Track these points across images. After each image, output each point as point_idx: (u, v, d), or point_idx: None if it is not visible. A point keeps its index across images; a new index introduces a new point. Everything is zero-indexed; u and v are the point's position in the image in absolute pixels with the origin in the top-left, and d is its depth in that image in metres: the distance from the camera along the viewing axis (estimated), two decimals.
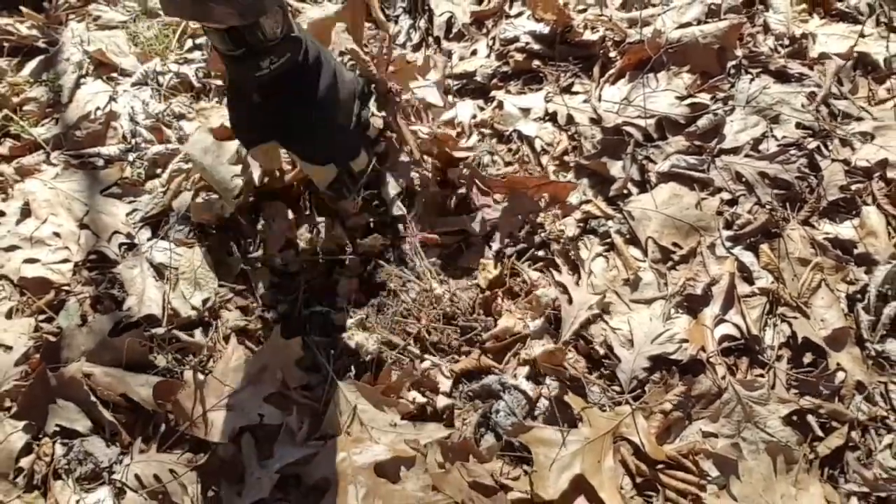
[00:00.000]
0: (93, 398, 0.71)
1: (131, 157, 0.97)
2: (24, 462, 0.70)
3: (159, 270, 0.82)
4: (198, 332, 0.78)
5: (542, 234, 0.85)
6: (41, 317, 0.80)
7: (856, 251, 0.83)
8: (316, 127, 0.72)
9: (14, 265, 0.84)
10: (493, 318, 0.79)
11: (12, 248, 0.86)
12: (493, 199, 0.86)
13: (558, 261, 0.83)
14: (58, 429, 0.71)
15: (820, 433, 0.71)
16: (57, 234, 0.86)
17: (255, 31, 0.60)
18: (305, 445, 0.68)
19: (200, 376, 0.71)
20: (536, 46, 1.03)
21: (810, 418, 0.72)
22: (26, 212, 0.89)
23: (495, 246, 0.85)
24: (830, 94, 0.95)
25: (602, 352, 0.76)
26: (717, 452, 0.70)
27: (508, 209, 0.85)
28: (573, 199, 0.88)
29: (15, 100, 1.06)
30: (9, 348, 0.76)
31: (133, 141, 0.99)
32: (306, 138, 0.73)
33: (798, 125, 0.92)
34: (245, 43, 0.61)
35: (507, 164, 0.91)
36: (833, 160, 0.90)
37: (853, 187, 0.87)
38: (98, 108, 1.03)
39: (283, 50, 0.64)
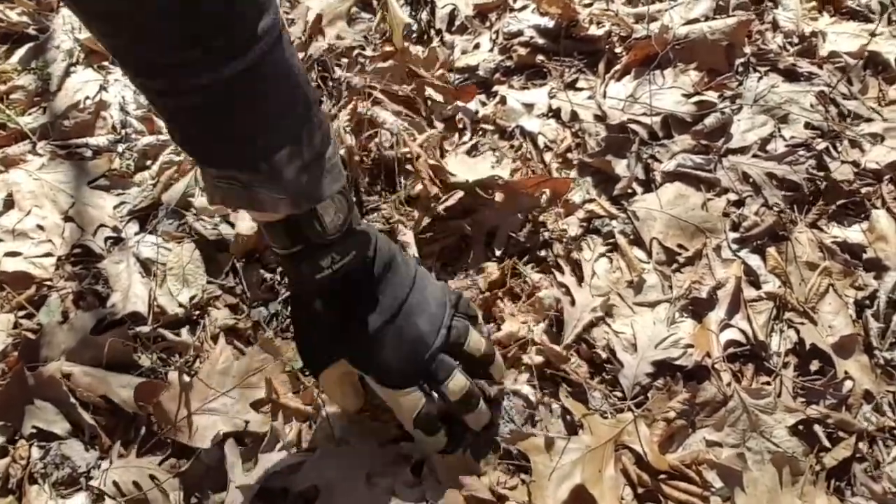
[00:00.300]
0: (72, 399, 0.68)
1: (121, 148, 0.94)
2: None
3: (146, 266, 0.79)
4: (184, 331, 0.75)
5: (545, 234, 0.82)
6: (21, 313, 0.77)
7: (865, 256, 0.80)
8: (388, 337, 0.58)
9: None
10: (494, 320, 0.77)
11: None
12: (492, 199, 0.83)
13: (560, 261, 0.80)
14: (35, 431, 0.68)
15: (827, 444, 0.68)
16: (40, 227, 0.84)
17: (312, 221, 0.51)
18: (292, 453, 0.65)
19: (185, 378, 0.69)
20: (541, 41, 1.00)
21: (817, 428, 0.69)
22: (9, 203, 0.86)
23: (498, 250, 0.82)
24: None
25: (604, 356, 0.74)
26: (721, 463, 0.67)
27: (508, 208, 0.83)
28: (576, 197, 0.86)
29: (2, 88, 1.03)
30: None
31: (123, 131, 0.96)
32: (377, 353, 0.58)
33: (807, 125, 0.90)
34: (302, 237, 0.53)
35: (513, 160, 0.88)
36: (842, 162, 0.87)
37: (863, 190, 0.85)
38: (87, 98, 1.00)
39: (347, 246, 0.55)
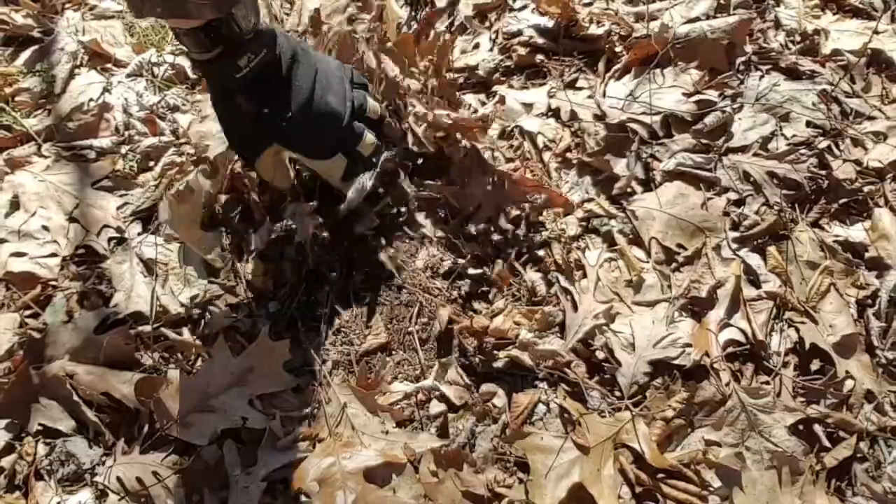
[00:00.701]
0: (75, 397, 0.69)
1: (124, 149, 0.95)
2: (6, 461, 0.69)
3: (148, 266, 0.80)
4: (186, 330, 0.76)
5: (543, 233, 0.82)
6: (27, 312, 0.78)
7: (867, 255, 0.80)
8: (309, 118, 0.70)
9: (1, 258, 0.82)
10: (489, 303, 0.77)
11: (0, 241, 0.84)
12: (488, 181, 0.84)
13: (560, 262, 0.80)
14: (41, 428, 0.69)
15: (827, 443, 0.68)
16: (46, 228, 0.84)
17: (230, 23, 0.60)
18: (293, 449, 0.66)
19: (185, 375, 0.69)
20: (540, 40, 1.00)
21: (817, 428, 0.69)
22: (15, 204, 0.87)
23: (473, 227, 0.82)
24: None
25: (602, 355, 0.74)
26: (719, 462, 0.67)
27: (496, 193, 0.83)
28: (575, 196, 0.86)
29: (7, 90, 1.04)
30: None
31: (126, 133, 0.97)
32: (303, 133, 0.70)
33: (808, 124, 0.89)
34: (222, 39, 0.60)
35: (508, 160, 0.88)
36: (844, 160, 0.87)
37: (865, 188, 0.84)
38: (91, 100, 1.01)
39: (258, 45, 0.64)
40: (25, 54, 1.10)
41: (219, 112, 0.71)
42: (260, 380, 0.70)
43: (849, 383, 0.71)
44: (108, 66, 1.06)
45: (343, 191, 0.77)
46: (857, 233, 0.82)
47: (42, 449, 0.69)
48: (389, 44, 0.87)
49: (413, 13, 1.03)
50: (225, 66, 0.63)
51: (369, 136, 0.76)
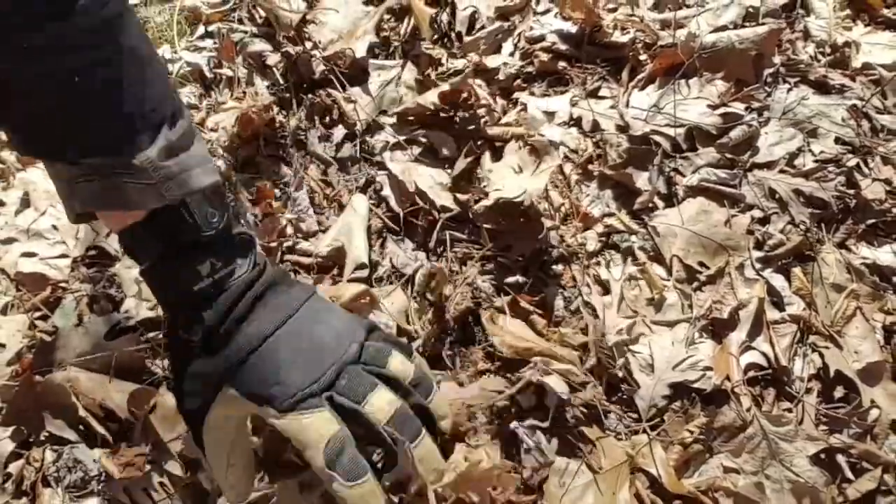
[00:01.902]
0: (79, 405, 0.67)
1: None
2: (13, 467, 0.68)
3: None
4: None
5: (562, 248, 0.80)
6: (36, 314, 0.77)
7: (894, 278, 0.78)
8: (280, 346, 0.46)
9: (11, 258, 0.81)
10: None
11: (10, 240, 0.83)
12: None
13: (578, 278, 0.78)
14: (48, 434, 0.68)
15: (850, 475, 0.67)
16: (55, 227, 0.83)
17: (181, 213, 0.44)
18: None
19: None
20: (563, 46, 0.98)
21: (840, 458, 0.67)
22: (26, 202, 0.86)
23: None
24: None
25: (620, 375, 0.73)
26: (738, 491, 0.66)
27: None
28: (595, 211, 0.84)
29: None
30: (2, 346, 0.73)
31: None
32: (268, 366, 0.45)
33: (837, 140, 0.87)
34: (170, 235, 0.45)
35: None
36: (874, 179, 0.84)
37: (894, 209, 0.82)
38: None
39: (228, 251, 0.46)
40: None
41: (171, 358, 0.50)
42: None
43: (874, 413, 0.70)
44: None
45: (325, 482, 0.43)
46: (885, 255, 0.80)
47: (49, 455, 0.68)
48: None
49: (434, 14, 1.01)
50: (181, 270, 0.45)
51: (384, 391, 0.45)
